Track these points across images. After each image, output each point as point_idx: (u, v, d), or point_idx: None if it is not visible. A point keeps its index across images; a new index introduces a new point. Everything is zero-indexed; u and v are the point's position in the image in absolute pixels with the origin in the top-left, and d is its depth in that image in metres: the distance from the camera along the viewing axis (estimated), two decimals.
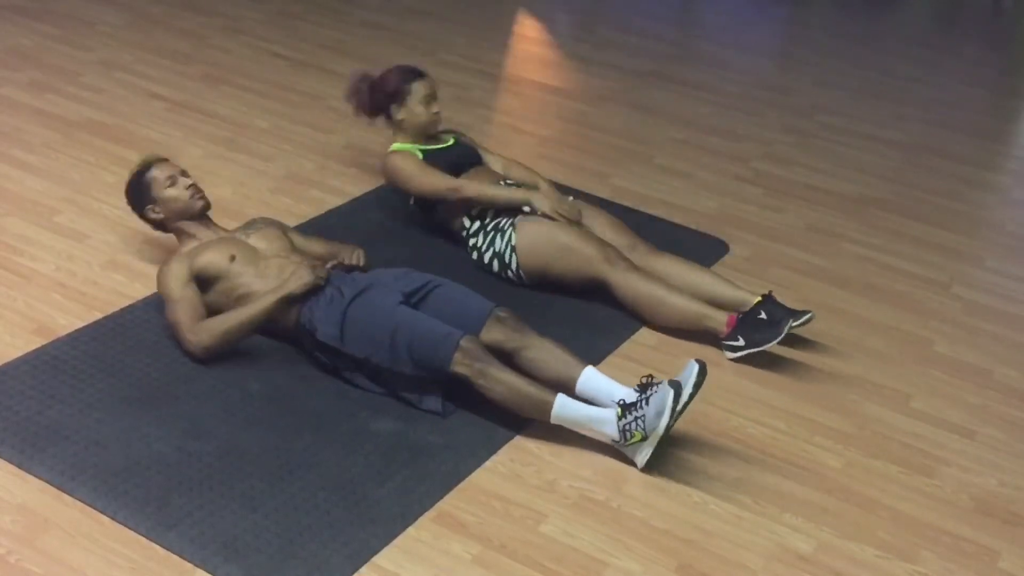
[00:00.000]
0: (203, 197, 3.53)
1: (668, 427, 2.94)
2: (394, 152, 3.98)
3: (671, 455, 3.09)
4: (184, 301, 3.26)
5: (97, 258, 3.76)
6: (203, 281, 3.31)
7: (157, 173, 3.52)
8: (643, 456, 2.97)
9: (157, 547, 2.64)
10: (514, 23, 6.84)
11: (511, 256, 3.72)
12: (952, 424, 3.35)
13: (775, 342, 3.42)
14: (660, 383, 2.99)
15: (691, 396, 2.96)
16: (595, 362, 3.39)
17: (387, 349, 3.10)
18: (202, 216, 3.53)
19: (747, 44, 6.79)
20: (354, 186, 4.39)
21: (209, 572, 2.59)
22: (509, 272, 3.75)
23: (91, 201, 4.11)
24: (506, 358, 3.19)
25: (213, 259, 3.32)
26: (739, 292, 3.61)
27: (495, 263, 3.77)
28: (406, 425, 3.09)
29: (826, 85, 6.04)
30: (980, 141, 5.53)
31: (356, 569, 2.63)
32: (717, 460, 3.08)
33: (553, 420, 3.03)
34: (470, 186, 3.81)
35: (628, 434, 2.94)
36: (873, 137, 5.37)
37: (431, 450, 3.01)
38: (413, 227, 4.08)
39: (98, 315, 3.45)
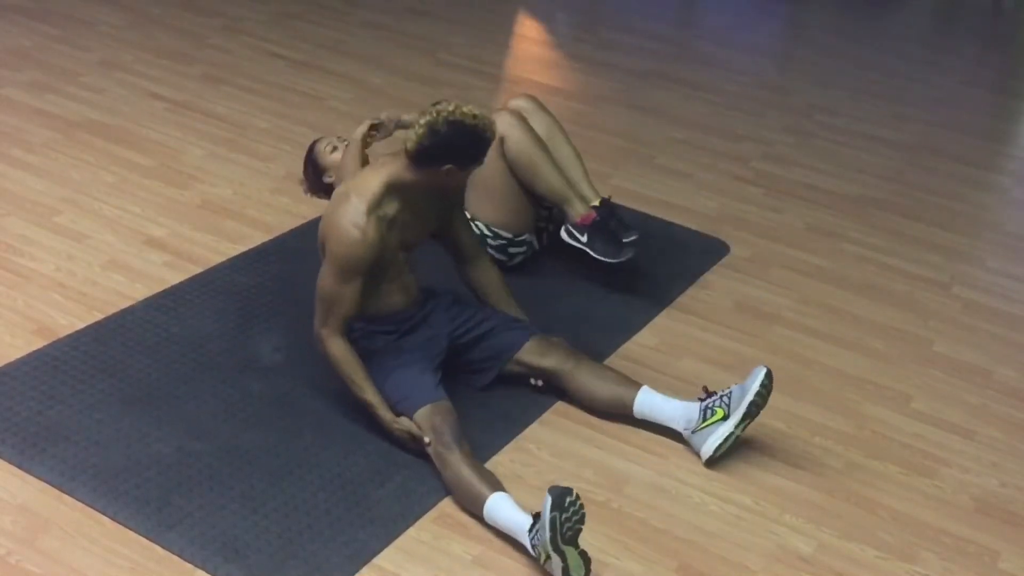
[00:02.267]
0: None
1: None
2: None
3: (670, 455, 3.09)
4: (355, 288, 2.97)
5: (97, 258, 3.76)
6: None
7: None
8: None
9: (157, 547, 2.64)
10: (514, 23, 6.84)
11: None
12: (952, 424, 3.35)
13: (616, 260, 3.57)
14: (714, 397, 3.05)
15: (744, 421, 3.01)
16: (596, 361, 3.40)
17: (387, 393, 3.01)
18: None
19: (747, 44, 6.79)
20: None
21: (209, 572, 2.59)
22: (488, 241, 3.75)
23: (91, 201, 4.11)
24: (559, 383, 3.19)
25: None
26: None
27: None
28: None
29: (826, 85, 6.04)
30: (980, 141, 5.52)
31: (356, 569, 2.63)
32: (717, 460, 3.08)
33: (487, 519, 2.77)
34: None
35: (537, 551, 2.63)
36: (873, 137, 5.36)
37: None
38: None
39: (98, 315, 3.45)
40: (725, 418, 2.99)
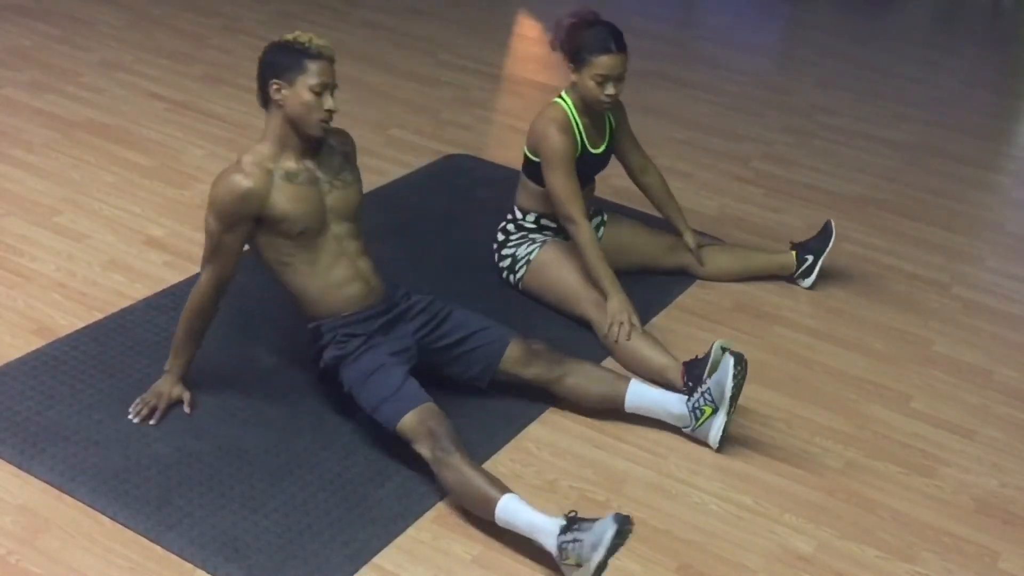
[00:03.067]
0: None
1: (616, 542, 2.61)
2: (557, 111, 3.58)
3: (670, 455, 3.10)
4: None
5: (97, 258, 3.76)
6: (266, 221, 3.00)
7: (313, 67, 2.90)
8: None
9: (157, 547, 2.64)
10: (514, 23, 6.84)
11: (522, 268, 3.70)
12: (952, 424, 3.35)
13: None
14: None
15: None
16: (594, 361, 3.40)
17: (365, 398, 2.99)
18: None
19: (747, 44, 6.79)
20: None
21: (209, 572, 2.59)
22: (511, 277, 3.74)
23: (91, 201, 4.11)
24: (547, 389, 3.18)
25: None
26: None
27: (507, 260, 3.74)
28: None
29: (826, 85, 6.04)
30: (980, 141, 5.53)
31: (356, 569, 2.63)
32: (717, 460, 3.08)
33: (498, 521, 2.72)
34: (583, 232, 3.50)
35: (564, 554, 2.61)
36: (873, 137, 5.37)
37: None
38: (412, 228, 4.09)
39: (98, 315, 3.45)
40: (715, 411, 3.05)
